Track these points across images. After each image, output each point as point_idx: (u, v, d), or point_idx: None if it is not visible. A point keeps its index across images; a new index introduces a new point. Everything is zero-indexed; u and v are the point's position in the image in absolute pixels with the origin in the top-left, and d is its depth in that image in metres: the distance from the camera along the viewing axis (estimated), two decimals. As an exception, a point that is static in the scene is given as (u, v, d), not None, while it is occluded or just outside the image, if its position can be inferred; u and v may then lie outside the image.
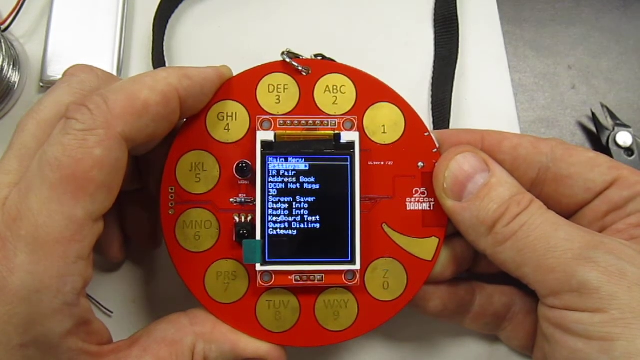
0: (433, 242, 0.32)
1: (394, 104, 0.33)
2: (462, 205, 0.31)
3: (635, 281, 0.27)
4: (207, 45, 0.45)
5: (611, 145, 0.42)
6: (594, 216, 0.32)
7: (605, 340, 0.26)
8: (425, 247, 0.32)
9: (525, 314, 0.34)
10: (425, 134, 0.33)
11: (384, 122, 0.33)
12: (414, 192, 0.32)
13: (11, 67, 0.42)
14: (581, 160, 0.32)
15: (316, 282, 0.31)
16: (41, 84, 0.43)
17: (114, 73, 0.43)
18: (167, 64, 0.43)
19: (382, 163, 0.32)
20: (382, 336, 0.38)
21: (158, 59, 0.43)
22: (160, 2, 0.43)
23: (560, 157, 0.32)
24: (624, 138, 0.42)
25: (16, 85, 0.43)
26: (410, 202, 0.32)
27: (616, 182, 0.31)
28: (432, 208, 0.32)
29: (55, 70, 0.43)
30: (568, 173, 0.32)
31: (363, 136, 0.32)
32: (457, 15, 0.45)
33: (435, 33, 0.45)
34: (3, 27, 0.44)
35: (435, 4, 0.46)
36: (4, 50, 0.41)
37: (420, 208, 0.32)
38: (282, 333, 0.31)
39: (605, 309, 0.26)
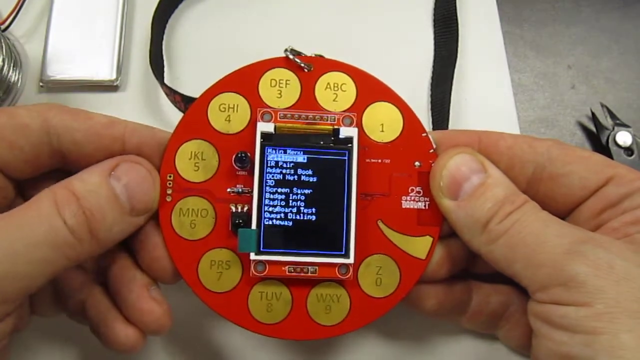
0: (427, 240, 0.34)
1: (393, 103, 0.35)
2: (457, 204, 0.32)
3: (623, 275, 0.27)
4: (207, 45, 0.47)
5: (611, 145, 0.44)
6: (590, 214, 0.33)
7: (589, 334, 0.27)
8: (419, 246, 0.34)
9: (522, 313, 0.35)
10: (423, 135, 0.34)
11: (382, 121, 0.34)
12: (409, 191, 0.34)
13: (11, 67, 0.44)
14: (577, 159, 0.33)
15: (309, 274, 0.32)
16: (41, 84, 0.45)
17: (114, 73, 0.45)
18: (165, 64, 0.46)
19: (380, 161, 0.34)
20: (379, 333, 0.40)
21: (156, 59, 0.45)
22: (159, 2, 0.46)
23: (556, 156, 0.33)
24: (623, 138, 0.44)
25: (16, 85, 0.45)
26: (406, 200, 0.34)
27: (612, 180, 0.32)
28: (427, 207, 0.34)
29: (55, 70, 0.45)
30: (564, 171, 0.33)
31: (361, 134, 0.34)
32: (456, 15, 0.47)
33: (435, 33, 0.47)
34: (3, 27, 0.46)
35: (435, 4, 0.48)
36: (4, 50, 0.44)
37: (416, 207, 0.34)
38: (273, 325, 0.33)
39: (590, 303, 0.27)
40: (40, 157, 0.32)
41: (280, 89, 0.34)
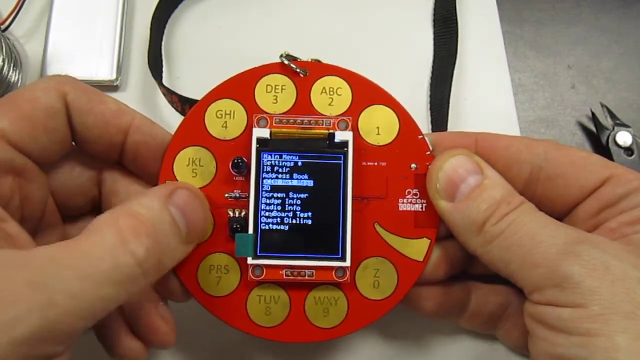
0: (424, 242, 0.34)
1: (388, 106, 0.35)
2: (454, 206, 0.33)
3: (619, 276, 0.28)
4: (206, 46, 0.48)
5: (611, 145, 0.44)
6: (587, 214, 0.33)
7: (584, 336, 0.27)
8: (416, 248, 0.34)
9: (521, 314, 0.35)
10: (419, 137, 0.35)
11: (378, 124, 0.35)
12: (406, 193, 0.35)
13: (11, 67, 0.45)
14: (574, 160, 0.34)
15: (306, 277, 0.33)
16: (41, 84, 0.45)
17: (114, 73, 0.46)
18: (164, 64, 0.47)
19: (376, 164, 0.35)
20: (378, 334, 0.40)
21: (154, 59, 0.46)
22: (158, 3, 0.47)
23: (553, 157, 0.34)
24: (623, 138, 0.44)
25: (16, 85, 0.46)
26: (403, 202, 0.35)
27: (609, 180, 0.33)
28: (424, 209, 0.35)
29: (55, 70, 0.46)
30: (561, 172, 0.34)
31: (357, 137, 0.35)
32: (456, 15, 0.48)
33: (435, 33, 0.48)
34: (3, 27, 0.47)
35: (435, 4, 0.49)
36: (4, 50, 0.44)
37: (413, 209, 0.35)
38: (271, 328, 0.34)
39: (585, 304, 0.28)
40: (67, 134, 0.32)
41: (276, 95, 0.35)
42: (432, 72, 0.47)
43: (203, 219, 0.32)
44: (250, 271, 0.33)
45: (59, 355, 0.26)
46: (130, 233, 0.27)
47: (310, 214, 0.33)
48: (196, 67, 0.47)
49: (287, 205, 0.33)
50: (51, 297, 0.24)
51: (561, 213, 0.34)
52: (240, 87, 0.35)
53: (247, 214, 0.33)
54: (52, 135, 0.31)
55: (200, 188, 0.34)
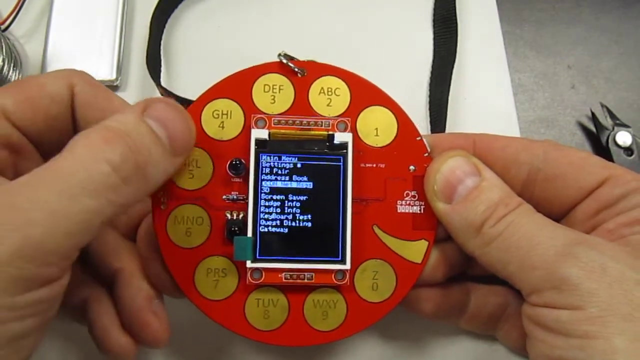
0: (422, 244, 0.34)
1: (387, 107, 0.35)
2: (452, 208, 0.33)
3: (616, 277, 0.28)
4: (206, 46, 0.48)
5: (611, 145, 0.44)
6: (585, 215, 0.33)
7: (583, 338, 0.27)
8: (414, 250, 0.34)
9: (520, 315, 0.35)
10: (417, 138, 0.35)
11: (376, 125, 0.35)
12: (404, 195, 0.35)
13: (11, 67, 0.45)
14: (572, 160, 0.34)
15: (306, 280, 0.33)
16: (41, 84, 0.45)
17: (114, 73, 0.46)
18: (163, 64, 0.46)
19: (374, 165, 0.35)
20: (377, 335, 0.40)
21: (153, 59, 0.45)
22: (158, 3, 0.46)
23: (552, 157, 0.34)
24: (623, 138, 0.44)
25: (16, 86, 0.45)
26: (401, 204, 0.34)
27: (607, 181, 0.33)
28: (422, 211, 0.35)
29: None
30: (559, 172, 0.34)
31: (356, 138, 0.34)
32: (456, 15, 0.47)
33: (435, 33, 0.48)
34: (3, 27, 0.47)
35: (435, 4, 0.49)
36: (4, 50, 0.44)
37: (411, 211, 0.34)
38: (270, 332, 0.33)
39: (583, 306, 0.28)
40: (69, 124, 0.32)
41: (273, 95, 0.34)
42: (432, 72, 0.46)
43: (185, 129, 0.31)
44: (249, 275, 0.33)
45: (54, 279, 0.26)
46: (102, 143, 0.27)
47: (309, 216, 0.33)
48: (196, 68, 0.47)
49: (286, 208, 0.33)
50: (30, 217, 0.24)
51: (559, 214, 0.34)
52: (237, 87, 0.34)
53: (245, 217, 0.33)
54: (52, 121, 0.32)
55: (197, 190, 0.33)
